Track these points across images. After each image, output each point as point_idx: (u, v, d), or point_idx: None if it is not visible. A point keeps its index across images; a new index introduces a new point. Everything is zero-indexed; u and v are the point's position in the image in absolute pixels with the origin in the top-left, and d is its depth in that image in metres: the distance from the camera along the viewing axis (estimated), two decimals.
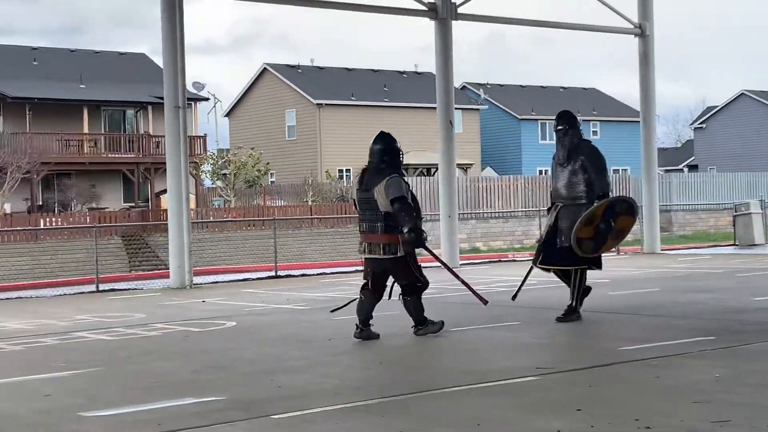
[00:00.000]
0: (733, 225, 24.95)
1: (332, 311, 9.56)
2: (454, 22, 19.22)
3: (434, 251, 9.57)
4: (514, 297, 10.17)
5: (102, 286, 16.65)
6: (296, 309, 12.15)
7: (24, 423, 5.83)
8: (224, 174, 41.35)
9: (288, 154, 47.38)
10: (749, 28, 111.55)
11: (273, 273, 18.33)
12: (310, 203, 34.11)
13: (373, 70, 51.83)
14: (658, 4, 21.93)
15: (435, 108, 19.86)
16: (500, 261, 21.44)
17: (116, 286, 17.36)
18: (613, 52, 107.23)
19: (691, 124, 68.76)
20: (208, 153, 41.87)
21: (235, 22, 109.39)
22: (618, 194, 10.25)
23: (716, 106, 64.29)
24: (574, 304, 9.62)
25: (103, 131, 40.17)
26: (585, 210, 9.34)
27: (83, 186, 36.25)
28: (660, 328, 9.05)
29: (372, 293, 8.78)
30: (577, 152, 9.53)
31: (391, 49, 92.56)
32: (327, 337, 9.14)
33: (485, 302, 9.13)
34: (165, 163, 16.32)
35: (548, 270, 9.87)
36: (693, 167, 63.38)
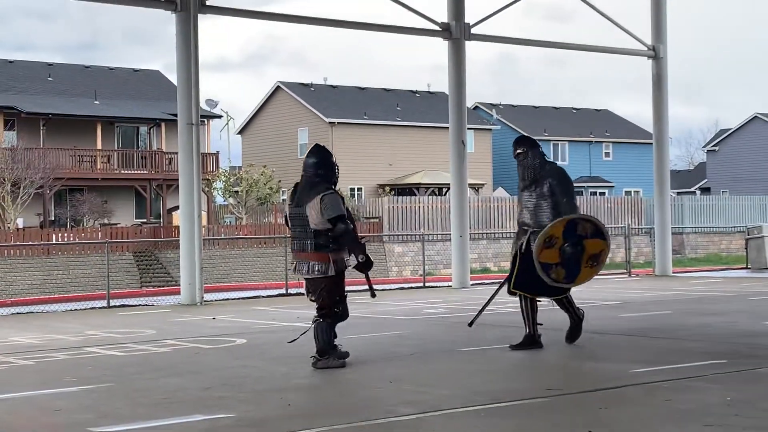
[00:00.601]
0: (746, 248, 24.86)
1: (290, 342, 8.90)
2: (467, 43, 19.27)
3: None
4: (471, 323, 9.58)
5: (113, 302, 16.68)
6: (306, 327, 12.13)
7: None
8: (236, 191, 41.45)
9: (300, 172, 47.43)
10: (763, 50, 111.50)
11: (283, 291, 18.35)
12: None
13: (385, 89, 52.00)
14: (672, 26, 22.00)
15: (447, 128, 19.89)
16: None
17: (127, 301, 17.40)
18: (626, 74, 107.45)
19: (704, 146, 68.65)
20: (221, 170, 42.01)
21: (248, 40, 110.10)
22: (589, 215, 9.59)
23: (729, 129, 64.19)
24: (529, 330, 9.07)
25: (116, 147, 40.40)
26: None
27: (96, 201, 36.40)
28: (671, 350, 9.01)
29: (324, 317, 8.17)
30: (544, 175, 9.05)
31: (403, 69, 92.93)
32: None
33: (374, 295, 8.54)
34: (177, 179, 16.38)
35: (522, 296, 9.15)
36: (705, 190, 63.22)
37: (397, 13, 30.93)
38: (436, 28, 19.24)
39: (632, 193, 50.29)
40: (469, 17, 19.25)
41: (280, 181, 43.68)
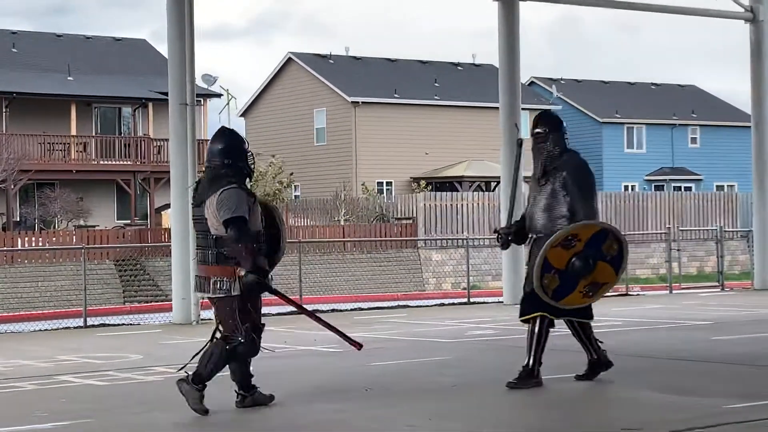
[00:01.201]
0: None
1: (179, 370, 8.40)
2: (521, 3, 19.23)
3: (290, 296, 8.45)
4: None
5: (90, 321, 16.78)
6: (325, 351, 12.17)
7: None
8: None
9: (316, 163, 47.65)
10: None
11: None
12: (342, 223, 34.23)
13: (420, 61, 52.04)
14: None
15: (497, 108, 19.85)
16: None
17: (108, 320, 17.53)
18: (717, 41, 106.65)
19: None
20: None
21: (253, 2, 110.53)
22: (622, 236, 9.09)
23: None
24: (530, 363, 8.76)
25: (94, 133, 40.73)
26: None
27: (69, 199, 36.70)
28: None
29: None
30: (559, 166, 8.80)
31: (442, 36, 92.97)
32: (363, 386, 9.14)
33: (359, 347, 8.46)
34: (168, 172, 16.49)
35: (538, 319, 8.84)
36: None
37: None
38: None
39: (725, 187, 49.99)
40: None
41: (292, 174, 43.86)
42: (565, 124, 9.20)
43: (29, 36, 45.07)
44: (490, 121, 39.68)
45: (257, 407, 7.90)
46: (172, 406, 8.26)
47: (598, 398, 8.28)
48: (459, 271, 29.06)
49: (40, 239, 27.19)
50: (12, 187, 35.48)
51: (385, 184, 46.49)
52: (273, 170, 41.85)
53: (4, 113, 39.01)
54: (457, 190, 40.94)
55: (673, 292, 22.22)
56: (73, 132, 39.42)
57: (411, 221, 33.47)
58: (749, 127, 22.54)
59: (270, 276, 7.74)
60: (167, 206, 29.00)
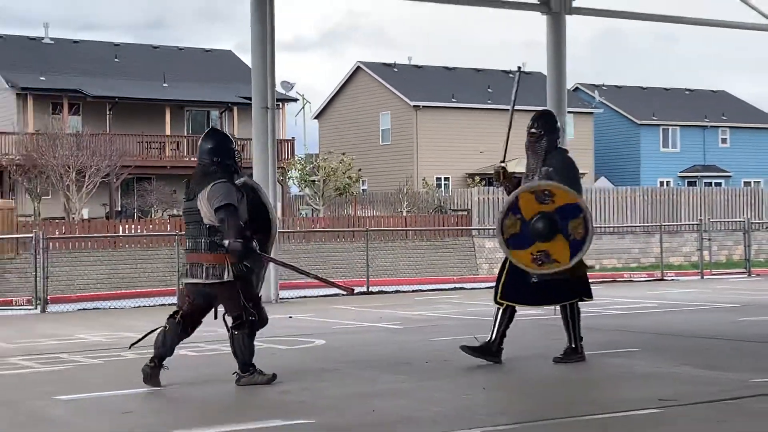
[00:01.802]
0: None
1: (131, 347, 8.52)
2: (568, 17, 19.08)
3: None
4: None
5: None
6: (390, 328, 12.22)
7: None
8: (313, 181, 41.82)
9: (381, 160, 47.67)
10: None
11: (365, 288, 18.50)
12: (404, 214, 34.22)
13: (475, 69, 51.80)
14: None
15: None
16: (615, 281, 21.13)
17: None
18: (746, 51, 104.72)
19: None
20: (296, 158, 42.42)
21: (326, 16, 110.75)
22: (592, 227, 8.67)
23: None
24: (573, 344, 8.68)
25: (185, 133, 41.15)
26: None
27: (164, 191, 37.11)
28: None
29: (179, 326, 7.81)
30: (547, 163, 8.53)
31: (495, 47, 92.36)
32: (424, 359, 9.17)
33: (351, 291, 8.45)
34: (250, 167, 16.61)
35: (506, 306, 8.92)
36: None
37: None
38: (534, 1, 19.09)
39: (752, 184, 49.07)
40: None
41: (360, 170, 43.89)
42: (559, 124, 9.03)
43: (129, 48, 45.63)
44: None
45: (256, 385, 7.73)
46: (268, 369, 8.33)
47: (638, 373, 8.22)
48: None
49: (139, 227, 27.48)
50: (114, 180, 35.95)
51: (443, 179, 46.40)
52: (343, 167, 41.93)
53: (107, 116, 39.58)
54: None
55: (705, 277, 21.96)
56: (168, 132, 39.87)
57: (466, 213, 33.33)
58: None
59: (254, 245, 7.54)
60: None
